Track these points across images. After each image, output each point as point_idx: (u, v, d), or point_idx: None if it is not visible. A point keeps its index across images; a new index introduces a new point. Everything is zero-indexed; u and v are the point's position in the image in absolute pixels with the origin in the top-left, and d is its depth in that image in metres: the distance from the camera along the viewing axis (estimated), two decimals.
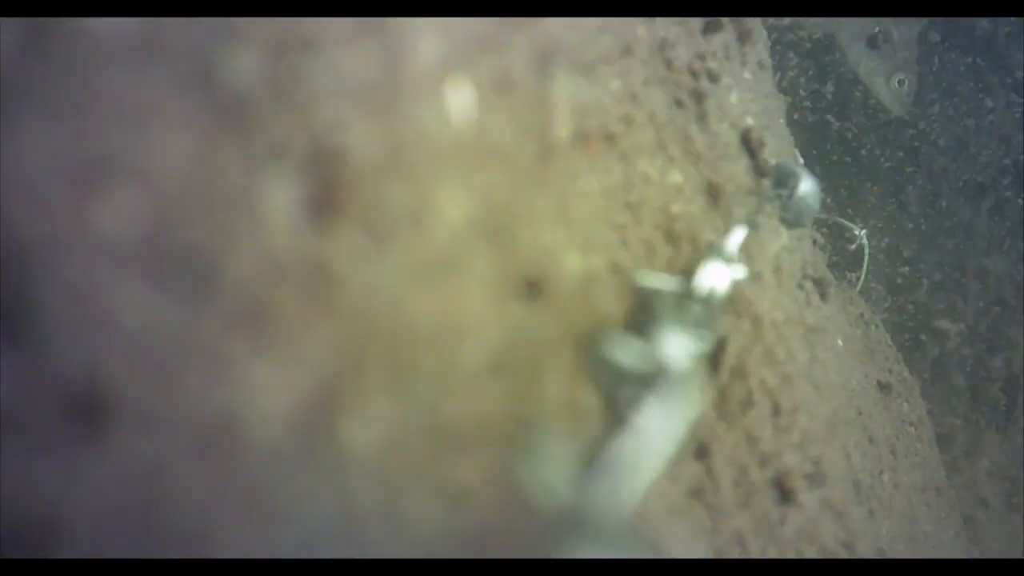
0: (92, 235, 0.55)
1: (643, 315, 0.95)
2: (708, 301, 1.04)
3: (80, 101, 0.55)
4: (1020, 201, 2.52)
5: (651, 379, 0.86)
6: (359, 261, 0.61)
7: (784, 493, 1.13)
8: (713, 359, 1.15)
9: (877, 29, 2.49)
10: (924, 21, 2.58)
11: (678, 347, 0.91)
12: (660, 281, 0.99)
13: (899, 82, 2.51)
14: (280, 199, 0.59)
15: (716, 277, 1.06)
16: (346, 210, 0.61)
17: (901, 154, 2.68)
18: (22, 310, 0.54)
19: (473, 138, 0.68)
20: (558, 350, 0.80)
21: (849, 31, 2.51)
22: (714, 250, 1.13)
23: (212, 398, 0.57)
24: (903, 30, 2.50)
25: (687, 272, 1.08)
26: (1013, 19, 2.63)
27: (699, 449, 1.10)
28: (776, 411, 1.17)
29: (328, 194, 0.61)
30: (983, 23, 2.65)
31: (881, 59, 2.51)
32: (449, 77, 0.66)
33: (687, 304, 1.00)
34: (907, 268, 2.61)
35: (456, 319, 0.65)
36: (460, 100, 0.67)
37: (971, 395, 2.46)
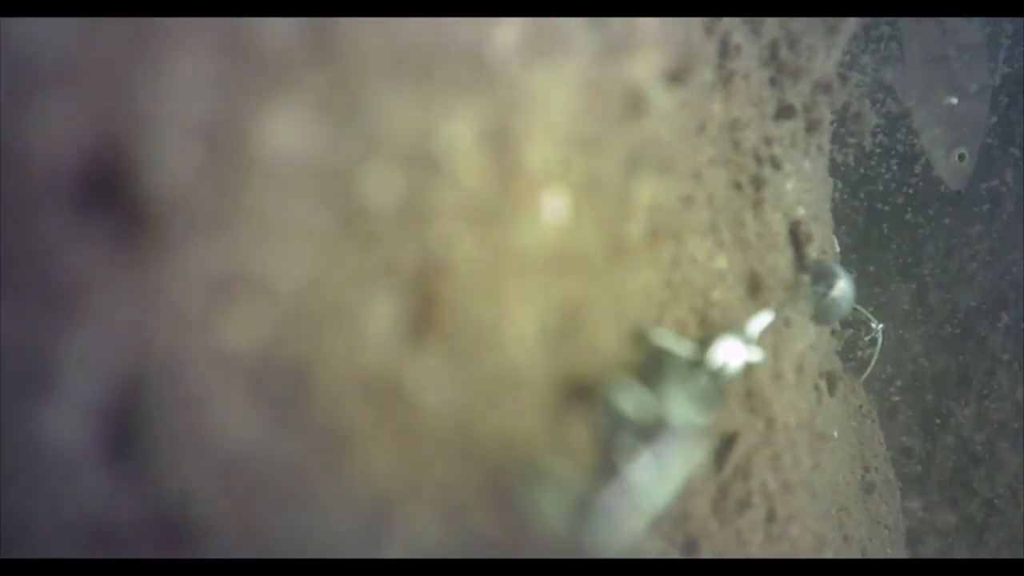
0: (214, 353, 0.54)
1: (653, 371, 0.94)
2: (718, 376, 1.03)
3: (233, 220, 0.54)
4: None
5: (649, 432, 0.85)
6: (436, 381, 0.60)
7: None
8: (720, 453, 1.14)
9: (954, 100, 2.39)
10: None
11: (680, 408, 0.90)
12: (676, 344, 0.98)
13: (959, 156, 2.38)
14: (381, 315, 0.58)
15: (731, 354, 1.04)
16: (437, 328, 0.60)
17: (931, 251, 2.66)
18: (136, 426, 0.53)
19: (559, 245, 0.66)
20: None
21: (922, 92, 2.40)
22: (735, 328, 1.12)
23: (287, 523, 0.56)
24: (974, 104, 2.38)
25: (705, 344, 1.06)
26: None
27: (687, 542, 1.09)
28: (771, 518, 1.16)
29: (425, 311, 0.59)
30: None
31: (946, 129, 2.38)
32: (549, 184, 0.64)
33: (695, 372, 0.99)
34: (912, 367, 2.60)
35: (511, 436, 0.64)
36: (556, 208, 0.65)
37: (949, 506, 2.45)
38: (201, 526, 0.55)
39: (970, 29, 2.39)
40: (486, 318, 0.62)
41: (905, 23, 2.43)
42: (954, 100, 2.36)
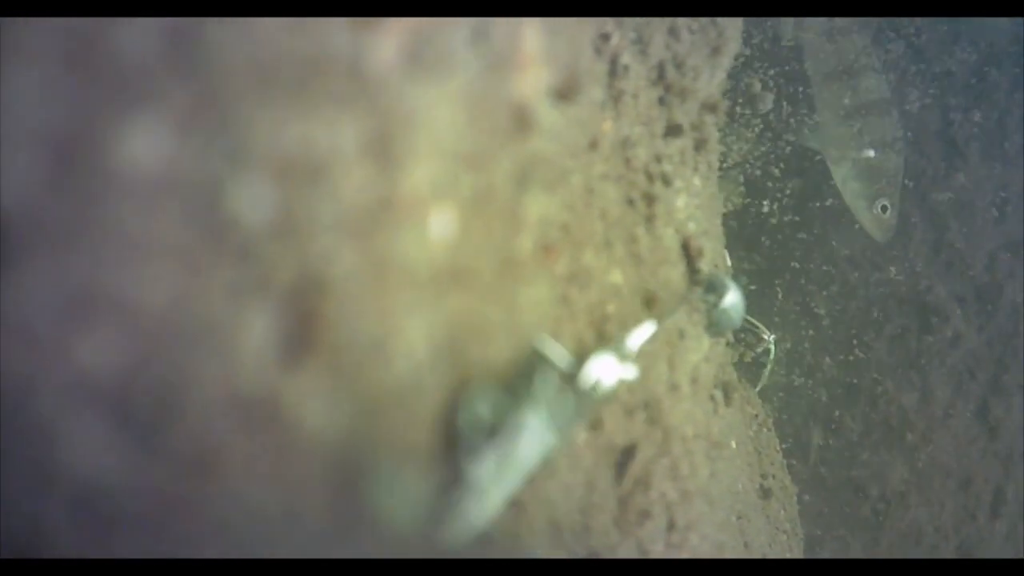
0: (68, 375, 0.51)
1: (521, 378, 0.93)
2: (589, 393, 1.02)
3: (88, 235, 0.51)
4: (916, 337, 2.61)
5: (496, 432, 0.85)
6: (317, 399, 0.58)
7: None
8: (620, 466, 1.15)
9: (871, 152, 2.48)
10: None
11: (535, 417, 0.90)
12: (555, 351, 0.97)
13: (882, 208, 2.46)
14: (255, 333, 0.56)
15: (604, 371, 1.03)
16: (317, 345, 0.59)
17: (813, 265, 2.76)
18: None
19: (447, 260, 0.66)
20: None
21: (838, 148, 2.50)
22: (612, 345, 1.12)
23: (145, 554, 0.53)
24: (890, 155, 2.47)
25: (583, 359, 1.06)
26: None
27: (589, 556, 1.10)
28: (671, 526, 1.17)
29: (303, 328, 0.58)
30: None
31: (867, 183, 2.47)
32: (436, 201, 0.64)
33: (566, 387, 0.98)
34: (803, 377, 2.69)
35: (399, 448, 0.63)
36: (442, 223, 0.65)
37: (844, 508, 2.54)
38: (52, 560, 0.52)
39: (877, 84, 2.50)
40: (371, 334, 0.61)
41: (815, 84, 2.53)
42: (871, 152, 2.47)
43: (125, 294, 0.52)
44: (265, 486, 0.57)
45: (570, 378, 0.98)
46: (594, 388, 1.00)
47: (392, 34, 0.60)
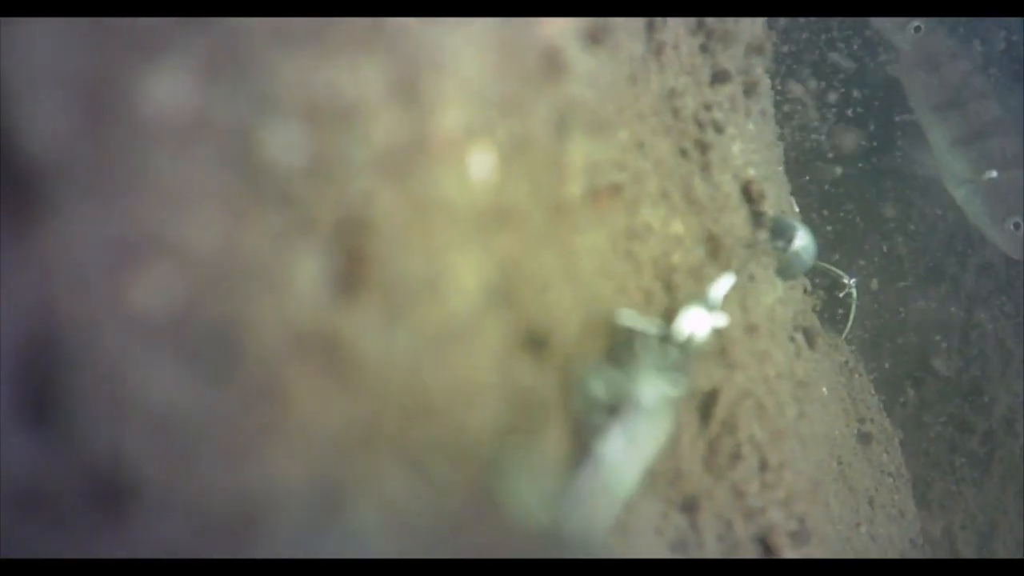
0: (126, 315, 0.55)
1: (621, 351, 0.95)
2: (686, 346, 1.04)
3: (126, 182, 0.55)
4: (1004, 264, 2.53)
5: (619, 410, 0.87)
6: (375, 334, 0.61)
7: (768, 549, 1.14)
8: (704, 410, 1.16)
9: (994, 173, 2.39)
10: None
11: (650, 385, 0.92)
12: (641, 322, 1.00)
13: (1015, 225, 2.35)
14: (306, 272, 0.59)
15: (696, 323, 1.06)
16: (368, 282, 0.61)
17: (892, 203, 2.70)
18: (53, 390, 0.54)
19: (491, 202, 0.68)
20: (557, 404, 0.80)
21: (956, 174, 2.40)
22: (698, 297, 1.14)
23: (229, 480, 0.57)
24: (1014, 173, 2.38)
25: (669, 316, 1.08)
26: None
27: (685, 502, 1.11)
28: (764, 466, 1.17)
29: (352, 266, 0.61)
30: None
31: (995, 203, 2.38)
32: (472, 142, 0.66)
33: (665, 347, 1.01)
34: (892, 317, 2.63)
35: (465, 387, 0.66)
36: (481, 164, 0.67)
37: (950, 447, 2.48)
38: (135, 486, 0.55)
39: (988, 107, 2.42)
40: (420, 272, 0.64)
41: (922, 117, 2.46)
42: (993, 173, 2.39)
43: (171, 238, 0.56)
44: (334, 415, 0.60)
45: (665, 339, 1.00)
46: (689, 341, 1.03)
47: None
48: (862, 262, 2.68)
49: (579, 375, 0.87)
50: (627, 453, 0.85)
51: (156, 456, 0.55)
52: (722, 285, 1.17)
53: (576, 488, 0.81)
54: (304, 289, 0.59)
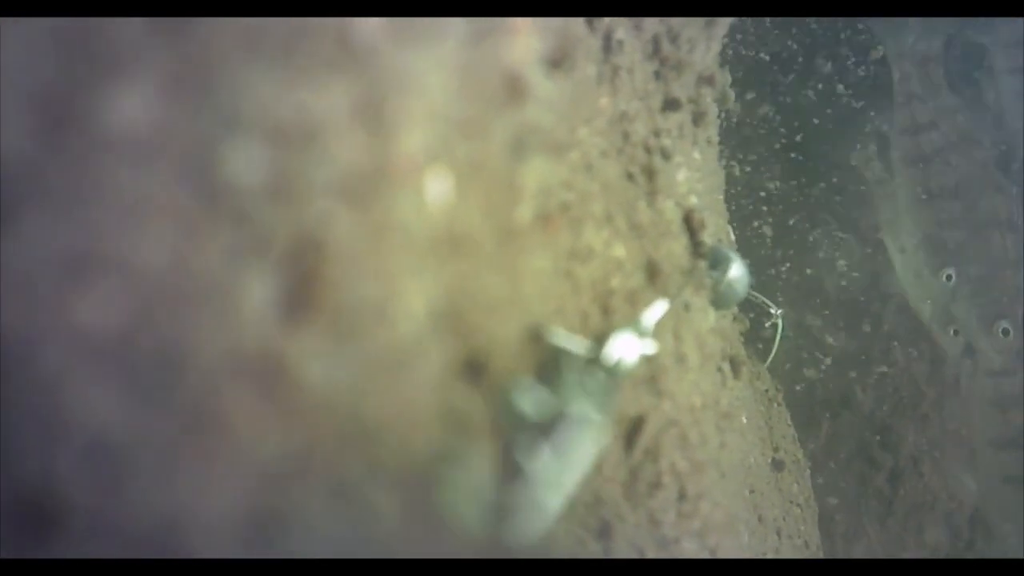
0: (68, 332, 0.52)
1: (551, 369, 0.95)
2: (614, 371, 1.04)
3: (81, 195, 0.52)
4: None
5: (548, 427, 0.87)
6: (320, 358, 0.60)
7: None
8: (629, 437, 1.16)
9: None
10: None
11: (578, 404, 0.92)
12: (572, 343, 1.00)
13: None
14: (255, 294, 0.58)
15: (626, 349, 1.06)
16: (318, 305, 0.60)
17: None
18: None
19: (445, 226, 0.67)
20: (492, 427, 0.80)
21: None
22: (630, 323, 1.14)
23: (160, 507, 0.54)
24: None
25: (603, 340, 1.08)
26: None
27: (601, 528, 1.11)
28: (682, 496, 1.18)
29: (303, 288, 0.59)
30: None
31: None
32: (431, 166, 0.65)
33: (592, 369, 1.01)
34: (815, 350, 2.69)
35: (404, 413, 0.64)
36: (439, 189, 0.66)
37: (858, 481, 2.55)
38: (65, 508, 0.53)
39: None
40: (372, 296, 0.62)
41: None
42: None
43: (122, 254, 0.54)
44: (273, 442, 0.58)
45: (593, 361, 1.00)
46: (617, 366, 1.03)
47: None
48: (783, 296, 2.74)
49: (508, 392, 0.86)
50: (555, 470, 0.85)
51: (87, 480, 0.53)
52: (655, 311, 1.18)
53: (506, 503, 0.81)
54: (252, 311, 0.58)
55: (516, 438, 0.85)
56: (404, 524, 0.66)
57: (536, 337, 0.93)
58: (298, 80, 0.58)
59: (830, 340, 2.70)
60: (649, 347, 1.11)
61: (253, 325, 0.58)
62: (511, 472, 0.83)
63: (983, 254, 2.27)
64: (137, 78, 0.54)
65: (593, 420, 0.92)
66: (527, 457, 0.84)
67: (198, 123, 0.56)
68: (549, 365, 0.95)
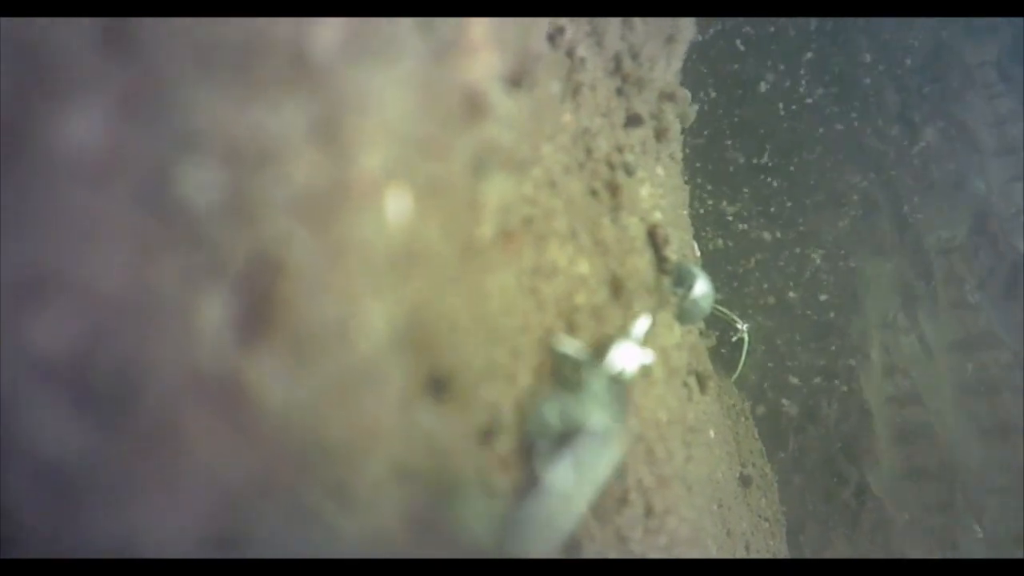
0: (22, 354, 0.51)
1: (562, 379, 0.96)
2: (618, 379, 1.05)
3: (34, 217, 0.51)
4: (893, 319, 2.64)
5: (567, 438, 0.87)
6: (279, 379, 0.59)
7: None
8: None
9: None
10: None
11: (596, 413, 0.92)
12: (576, 350, 1.00)
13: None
14: (211, 315, 0.57)
15: (627, 358, 1.07)
16: (276, 325, 0.59)
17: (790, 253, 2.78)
18: None
19: (405, 244, 0.66)
20: (459, 443, 0.79)
21: None
22: (625, 333, 1.15)
23: (113, 530, 0.53)
24: None
25: (599, 350, 1.09)
26: None
27: (570, 544, 1.10)
28: (649, 512, 1.18)
29: (261, 309, 0.58)
30: None
31: None
32: (391, 185, 0.64)
33: (602, 377, 1.02)
34: (779, 365, 2.70)
35: (366, 433, 0.63)
36: (399, 207, 0.65)
37: (824, 496, 2.56)
38: (13, 536, 0.52)
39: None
40: (331, 315, 0.61)
41: None
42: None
43: (76, 275, 0.53)
44: (230, 462, 0.57)
45: (599, 370, 1.00)
46: (620, 376, 1.04)
47: (333, 20, 0.61)
48: (755, 313, 2.76)
49: (534, 401, 0.87)
50: (575, 482, 0.85)
51: (39, 504, 0.52)
52: (642, 325, 1.19)
53: (522, 515, 0.80)
54: (208, 332, 0.57)
55: (535, 447, 0.85)
56: (363, 546, 0.65)
57: (542, 347, 0.93)
58: (253, 99, 0.58)
59: (798, 356, 2.72)
60: (648, 356, 1.13)
61: (211, 346, 0.57)
62: (528, 483, 0.83)
63: None
64: (89, 98, 0.53)
65: (612, 430, 0.93)
66: (546, 467, 0.84)
67: (152, 143, 0.55)
68: (555, 376, 0.95)
